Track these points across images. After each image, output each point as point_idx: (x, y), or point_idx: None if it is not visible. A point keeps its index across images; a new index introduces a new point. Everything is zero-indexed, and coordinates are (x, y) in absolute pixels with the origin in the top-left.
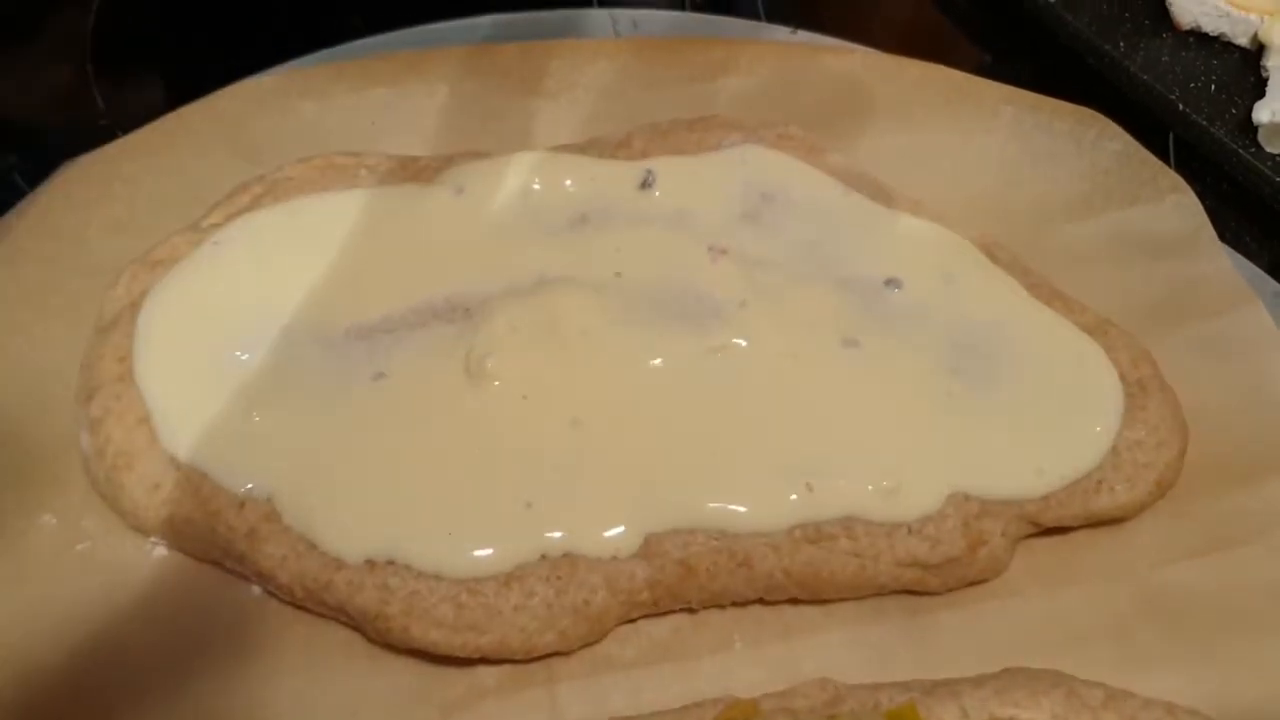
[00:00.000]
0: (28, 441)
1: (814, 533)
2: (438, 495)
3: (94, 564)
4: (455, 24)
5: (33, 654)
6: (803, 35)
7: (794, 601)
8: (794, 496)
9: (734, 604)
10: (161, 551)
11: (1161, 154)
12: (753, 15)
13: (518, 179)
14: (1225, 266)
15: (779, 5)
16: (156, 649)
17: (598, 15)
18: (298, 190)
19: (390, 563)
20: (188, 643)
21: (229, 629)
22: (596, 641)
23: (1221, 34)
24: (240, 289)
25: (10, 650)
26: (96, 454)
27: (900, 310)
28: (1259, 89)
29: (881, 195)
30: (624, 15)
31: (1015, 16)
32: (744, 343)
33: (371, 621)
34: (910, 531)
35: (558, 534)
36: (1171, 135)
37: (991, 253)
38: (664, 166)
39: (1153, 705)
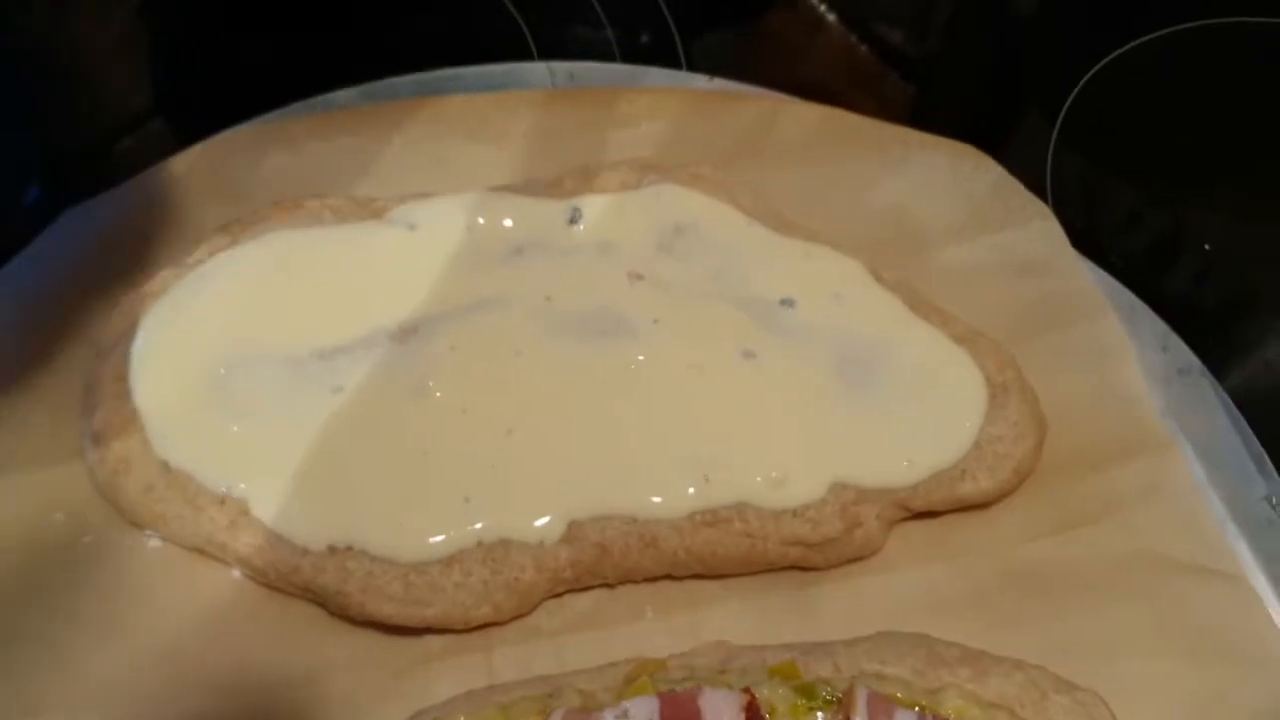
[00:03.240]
0: (39, 452)
1: (711, 517)
2: (389, 492)
3: (98, 553)
4: (409, 78)
5: (45, 631)
6: (718, 83)
7: (697, 576)
8: (693, 488)
9: (646, 579)
10: (155, 542)
11: (1038, 183)
12: (675, 65)
13: (462, 216)
14: (1084, 281)
15: (705, 53)
16: (150, 624)
17: (537, 68)
18: (270, 229)
19: (349, 548)
20: (178, 618)
21: (213, 606)
22: (527, 613)
23: None
24: (220, 317)
25: (29, 626)
26: (99, 461)
27: (793, 326)
28: None
29: (783, 226)
30: (560, 67)
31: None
32: (655, 355)
33: (333, 598)
34: (795, 515)
35: (492, 523)
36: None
37: (879, 275)
38: (590, 204)
39: (1003, 661)
